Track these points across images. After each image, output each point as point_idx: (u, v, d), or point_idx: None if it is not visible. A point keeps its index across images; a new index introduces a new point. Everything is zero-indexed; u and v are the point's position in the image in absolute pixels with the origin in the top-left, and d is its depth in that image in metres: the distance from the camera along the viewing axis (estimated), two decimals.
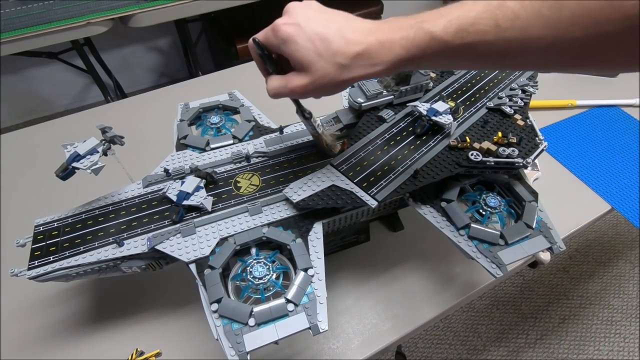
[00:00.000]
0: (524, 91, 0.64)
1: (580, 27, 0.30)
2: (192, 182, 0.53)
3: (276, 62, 0.43)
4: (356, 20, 0.39)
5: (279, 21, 0.39)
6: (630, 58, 0.31)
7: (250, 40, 0.42)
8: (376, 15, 2.17)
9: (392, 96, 0.62)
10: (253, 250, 0.49)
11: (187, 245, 0.48)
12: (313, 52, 0.37)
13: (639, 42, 0.28)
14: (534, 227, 0.50)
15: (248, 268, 0.47)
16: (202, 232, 0.50)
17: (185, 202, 0.51)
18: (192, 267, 0.47)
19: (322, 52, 0.37)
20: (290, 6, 0.41)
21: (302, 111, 0.51)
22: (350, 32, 0.38)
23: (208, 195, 0.53)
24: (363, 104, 0.60)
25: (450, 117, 0.57)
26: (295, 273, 0.46)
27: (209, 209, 0.52)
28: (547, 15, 0.31)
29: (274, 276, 0.46)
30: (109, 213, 0.53)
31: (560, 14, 0.30)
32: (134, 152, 0.66)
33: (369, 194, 0.51)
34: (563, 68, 0.36)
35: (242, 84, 1.02)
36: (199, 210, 0.52)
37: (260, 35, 0.41)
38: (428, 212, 0.53)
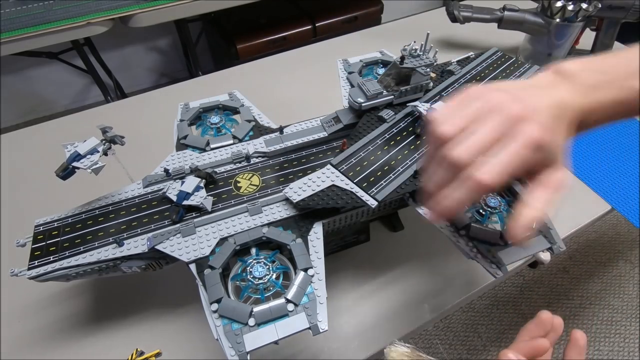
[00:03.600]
0: None
1: None
2: (192, 182, 0.53)
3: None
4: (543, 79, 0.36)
5: (533, 133, 0.31)
6: None
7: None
8: (376, 15, 2.17)
9: (392, 96, 0.62)
10: (253, 250, 0.49)
11: (187, 245, 0.48)
12: (562, 143, 0.33)
13: None
14: (534, 227, 0.50)
15: (248, 268, 0.47)
16: (202, 232, 0.50)
17: (185, 202, 0.51)
18: (192, 267, 0.47)
19: (559, 123, 0.33)
20: (495, 98, 0.33)
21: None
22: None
23: (208, 195, 0.53)
24: (363, 104, 0.60)
25: None
26: (295, 273, 0.46)
27: (209, 209, 0.52)
28: None
29: (274, 276, 0.46)
30: (109, 213, 0.53)
31: None
32: (134, 152, 0.66)
33: (369, 194, 0.51)
34: None
35: (242, 84, 1.03)
36: (199, 210, 0.52)
37: (507, 167, 0.31)
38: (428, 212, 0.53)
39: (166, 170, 0.57)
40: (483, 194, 0.35)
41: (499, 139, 0.31)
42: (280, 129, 0.63)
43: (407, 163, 0.54)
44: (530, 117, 0.31)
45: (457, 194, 0.31)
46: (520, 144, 0.31)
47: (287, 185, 0.53)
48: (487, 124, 0.31)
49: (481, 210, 0.53)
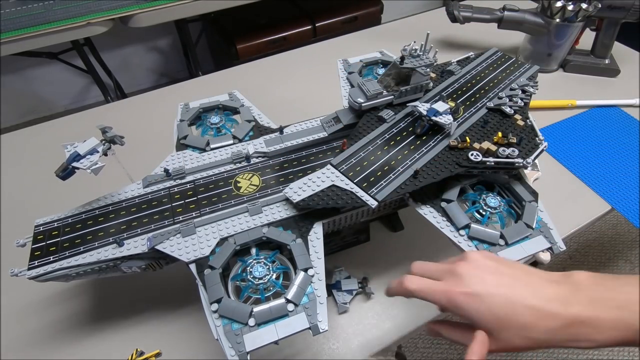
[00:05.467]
0: (524, 91, 0.64)
1: None
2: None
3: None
4: (539, 279, 0.37)
5: (453, 288, 0.37)
6: None
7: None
8: (376, 15, 2.17)
9: (392, 96, 0.62)
10: (253, 250, 0.49)
11: (187, 245, 0.48)
12: (496, 324, 0.35)
13: None
14: (534, 227, 0.50)
15: (248, 268, 0.47)
16: (202, 232, 0.50)
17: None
18: (192, 267, 0.47)
19: (508, 325, 0.35)
20: (461, 268, 0.38)
21: None
22: (538, 300, 0.34)
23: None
24: (363, 104, 0.60)
25: (450, 117, 0.57)
26: (295, 273, 0.46)
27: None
28: None
29: (274, 276, 0.46)
30: (109, 213, 0.53)
31: None
32: (134, 152, 0.66)
33: (369, 194, 0.51)
34: None
35: (242, 84, 1.03)
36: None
37: (428, 293, 0.39)
38: (428, 212, 0.53)
39: (166, 170, 0.57)
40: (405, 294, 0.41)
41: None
42: (280, 129, 0.63)
43: (407, 163, 0.54)
44: (466, 279, 0.37)
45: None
46: (439, 287, 0.38)
47: (287, 185, 0.53)
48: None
49: (481, 210, 0.53)
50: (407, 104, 0.62)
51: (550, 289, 0.35)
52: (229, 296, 0.45)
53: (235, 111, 0.69)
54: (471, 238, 0.49)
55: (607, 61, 1.04)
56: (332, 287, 0.62)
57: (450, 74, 0.70)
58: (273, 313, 0.42)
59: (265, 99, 0.75)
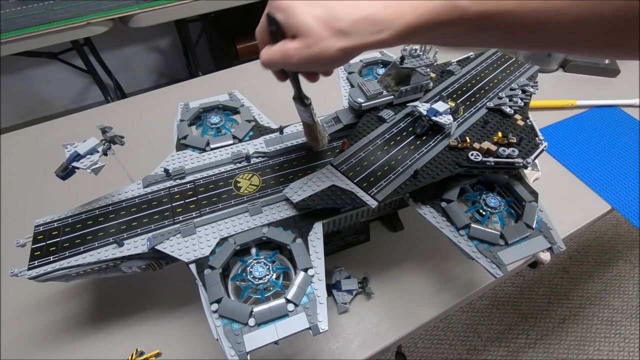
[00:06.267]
0: (524, 91, 0.64)
1: (611, 3, 0.27)
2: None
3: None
4: None
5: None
6: None
7: (266, 16, 0.37)
8: None
9: (392, 96, 0.62)
10: (253, 251, 0.49)
11: (187, 245, 0.48)
12: (310, 17, 0.33)
13: None
14: (534, 227, 0.50)
15: (248, 268, 0.47)
16: (202, 232, 0.50)
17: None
18: (192, 267, 0.47)
19: (320, 16, 0.33)
20: None
21: (300, 97, 0.49)
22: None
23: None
24: (363, 104, 0.60)
25: (450, 117, 0.57)
26: (295, 273, 0.46)
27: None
28: None
29: (274, 276, 0.46)
30: (109, 213, 0.53)
31: None
32: (134, 152, 0.66)
33: (369, 194, 0.51)
34: (585, 50, 0.33)
35: (242, 84, 1.03)
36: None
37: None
38: (428, 212, 0.53)
39: (166, 170, 0.57)
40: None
41: None
42: (280, 129, 0.63)
43: (407, 163, 0.54)
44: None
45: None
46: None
47: (287, 185, 0.53)
48: None
49: (481, 210, 0.53)
50: (407, 104, 0.62)
51: None
52: (229, 296, 0.45)
53: (235, 111, 0.69)
54: (471, 238, 0.49)
55: (607, 61, 1.04)
56: (332, 287, 0.62)
57: (450, 74, 0.70)
58: (273, 313, 0.42)
59: (265, 99, 0.75)
